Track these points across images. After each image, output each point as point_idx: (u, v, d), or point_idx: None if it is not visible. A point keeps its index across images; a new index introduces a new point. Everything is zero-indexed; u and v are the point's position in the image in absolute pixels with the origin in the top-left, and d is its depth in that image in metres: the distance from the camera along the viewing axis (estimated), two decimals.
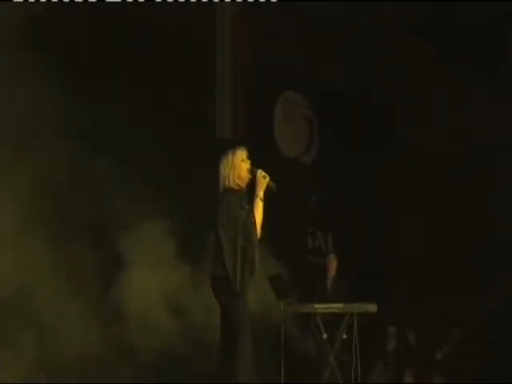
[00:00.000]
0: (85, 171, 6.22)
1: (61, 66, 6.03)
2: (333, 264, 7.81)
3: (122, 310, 6.13)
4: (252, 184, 4.24)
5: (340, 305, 7.22)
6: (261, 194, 4.16)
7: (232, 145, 4.38)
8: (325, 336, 7.28)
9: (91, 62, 6.41)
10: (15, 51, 5.68)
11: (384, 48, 8.66)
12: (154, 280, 6.35)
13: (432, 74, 8.74)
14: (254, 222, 4.08)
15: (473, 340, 7.85)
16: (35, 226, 5.72)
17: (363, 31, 8.38)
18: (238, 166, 4.16)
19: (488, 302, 8.03)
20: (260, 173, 4.18)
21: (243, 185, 4.19)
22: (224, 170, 4.19)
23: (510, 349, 7.35)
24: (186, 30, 7.09)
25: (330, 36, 8.41)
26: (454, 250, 8.40)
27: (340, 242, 9.01)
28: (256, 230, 4.08)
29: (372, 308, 7.16)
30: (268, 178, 4.18)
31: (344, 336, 7.26)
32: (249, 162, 4.21)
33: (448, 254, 8.43)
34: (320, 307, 7.24)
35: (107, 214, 6.29)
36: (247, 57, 8.10)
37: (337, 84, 8.88)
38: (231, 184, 4.15)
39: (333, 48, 8.53)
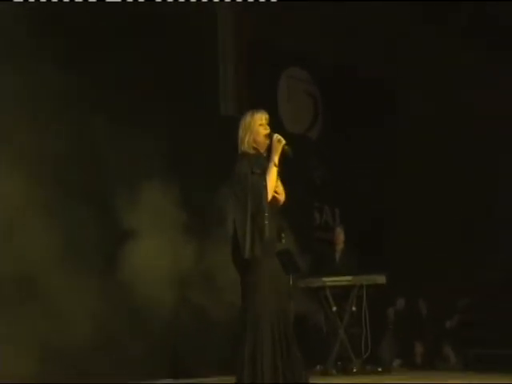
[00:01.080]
0: (86, 148, 6.21)
1: (59, 36, 6.06)
2: (340, 237, 7.86)
3: (128, 284, 6.14)
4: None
5: (349, 277, 7.28)
6: (275, 158, 3.88)
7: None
8: (334, 309, 7.34)
9: (90, 36, 6.37)
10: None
11: (385, 23, 8.61)
12: (160, 252, 6.35)
13: (432, 49, 8.72)
14: (265, 186, 3.84)
15: (482, 308, 7.90)
16: (37, 202, 5.72)
17: (364, 5, 8.33)
18: (254, 130, 3.92)
19: (495, 271, 8.08)
20: (275, 137, 3.93)
21: (261, 149, 3.96)
22: (241, 132, 3.96)
23: None
24: (187, 7, 7.05)
25: (330, 12, 8.37)
26: (460, 221, 8.44)
27: (347, 216, 9.05)
28: (267, 195, 3.84)
29: (381, 280, 7.21)
30: (283, 143, 3.92)
31: (353, 308, 7.32)
32: (268, 127, 3.96)
33: (454, 224, 8.47)
34: (329, 280, 7.30)
35: (111, 185, 6.28)
36: (249, 34, 8.07)
37: (339, 59, 8.87)
38: (246, 148, 3.93)
39: (334, 23, 8.50)
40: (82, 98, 6.19)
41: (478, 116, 8.24)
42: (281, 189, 4.00)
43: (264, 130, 3.96)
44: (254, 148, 3.97)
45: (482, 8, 8.00)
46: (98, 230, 6.10)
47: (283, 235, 4.08)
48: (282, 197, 4.01)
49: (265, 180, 3.88)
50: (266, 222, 3.82)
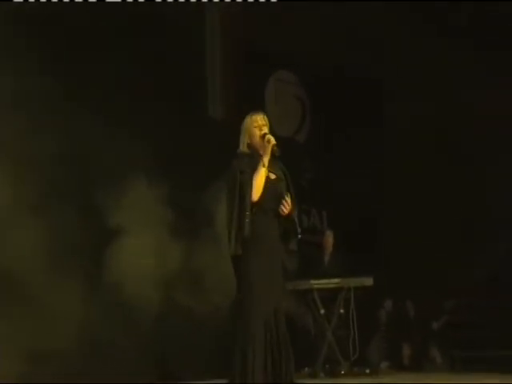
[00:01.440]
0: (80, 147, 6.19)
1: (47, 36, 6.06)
2: (329, 240, 7.90)
3: (115, 284, 6.08)
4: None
5: (337, 280, 7.31)
6: (265, 160, 3.96)
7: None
8: (322, 311, 7.37)
9: (79, 36, 6.37)
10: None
11: (372, 23, 8.67)
12: (147, 251, 6.30)
13: (420, 49, 8.78)
14: (251, 185, 3.90)
15: (468, 309, 7.97)
16: (23, 201, 5.67)
17: (350, 5, 8.38)
18: (250, 131, 4.03)
19: (482, 271, 8.15)
20: (266, 137, 4.00)
21: (258, 151, 4.01)
22: (241, 133, 4.08)
23: (505, 316, 7.48)
24: (175, 10, 7.06)
25: (318, 13, 8.42)
26: (447, 222, 8.50)
27: (335, 218, 9.08)
28: (250, 193, 3.89)
29: (368, 282, 7.25)
30: (273, 143, 3.98)
31: (341, 311, 7.35)
32: (264, 128, 4.04)
33: (441, 225, 8.52)
34: (317, 283, 7.33)
35: (98, 184, 6.23)
36: (237, 36, 8.09)
37: (327, 62, 8.90)
38: (243, 148, 4.05)
39: (321, 25, 8.54)
40: (69, 97, 6.16)
41: (478, 116, 8.31)
42: (289, 202, 4.00)
43: (259, 132, 4.03)
44: (251, 149, 4.05)
45: (481, 8, 8.05)
46: (84, 229, 6.08)
47: (299, 230, 4.14)
48: (286, 210, 4.00)
49: (251, 180, 3.92)
50: (247, 220, 3.86)
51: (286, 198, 4.00)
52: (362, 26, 8.68)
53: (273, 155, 4.00)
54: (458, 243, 8.30)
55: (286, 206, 3.99)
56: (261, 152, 4.02)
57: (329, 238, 7.93)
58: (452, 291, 8.23)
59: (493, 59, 8.25)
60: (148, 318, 6.33)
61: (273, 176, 4.05)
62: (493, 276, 8.07)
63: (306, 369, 7.37)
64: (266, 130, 4.05)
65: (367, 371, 7.36)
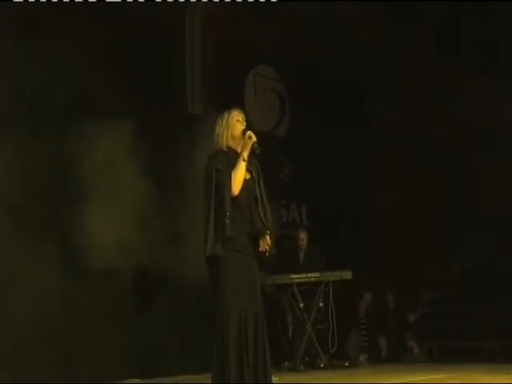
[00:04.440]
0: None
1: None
2: (304, 239, 7.91)
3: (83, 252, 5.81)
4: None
5: (316, 274, 7.36)
6: (244, 154, 3.98)
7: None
8: (301, 305, 7.42)
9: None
10: None
11: (354, 22, 8.75)
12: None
13: (400, 49, 8.88)
14: (229, 183, 3.91)
15: (444, 301, 8.08)
16: None
17: (332, 6, 8.45)
18: (232, 125, 4.05)
19: (457, 264, 8.27)
20: (248, 134, 4.04)
21: (237, 146, 4.04)
22: (218, 129, 4.08)
23: (481, 309, 7.60)
24: (154, 7, 7.04)
25: (299, 11, 8.46)
26: (425, 217, 8.61)
27: (314, 213, 9.13)
28: (229, 192, 3.91)
29: (347, 275, 7.32)
30: (254, 140, 4.02)
31: (320, 304, 7.41)
32: (244, 123, 4.10)
33: (419, 220, 8.63)
34: (296, 277, 7.37)
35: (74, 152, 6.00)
36: (216, 31, 8.09)
37: (306, 58, 8.94)
38: (223, 145, 4.05)
39: (301, 22, 8.58)
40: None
41: (449, 116, 8.44)
42: (268, 242, 4.00)
43: (241, 126, 4.07)
44: (229, 146, 4.05)
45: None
46: (54, 192, 5.89)
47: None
48: (265, 249, 3.98)
49: (229, 177, 3.93)
50: (228, 221, 3.87)
51: (267, 238, 3.99)
52: (343, 24, 8.74)
53: (251, 152, 4.03)
54: (435, 237, 8.41)
55: (266, 246, 3.99)
56: (239, 147, 4.04)
57: (304, 239, 7.91)
58: (429, 284, 8.34)
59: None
60: (121, 289, 6.22)
61: (247, 176, 4.06)
62: (468, 269, 8.20)
63: (286, 363, 7.41)
64: (245, 125, 4.09)
65: (346, 364, 7.44)
